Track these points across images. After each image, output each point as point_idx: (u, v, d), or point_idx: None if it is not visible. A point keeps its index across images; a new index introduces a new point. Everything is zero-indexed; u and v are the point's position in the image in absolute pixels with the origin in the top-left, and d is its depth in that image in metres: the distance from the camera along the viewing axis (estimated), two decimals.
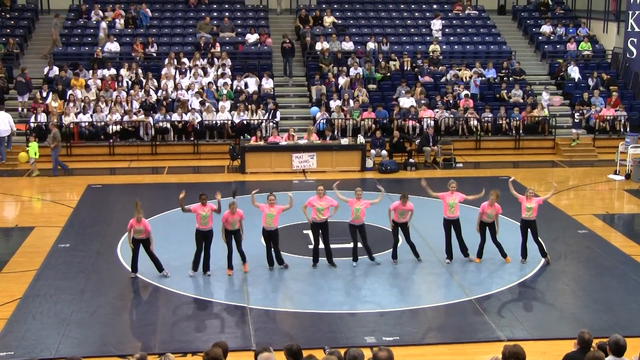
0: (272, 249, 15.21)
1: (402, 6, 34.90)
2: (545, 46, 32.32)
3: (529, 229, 15.53)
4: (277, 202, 15.04)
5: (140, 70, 28.57)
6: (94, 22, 31.84)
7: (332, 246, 15.53)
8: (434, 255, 15.84)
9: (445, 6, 35.10)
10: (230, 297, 14.08)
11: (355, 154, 24.53)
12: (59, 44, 30.03)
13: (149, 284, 14.67)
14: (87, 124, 25.96)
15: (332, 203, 15.22)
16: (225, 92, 27.51)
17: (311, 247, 16.01)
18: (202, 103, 26.71)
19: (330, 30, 32.01)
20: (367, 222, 15.60)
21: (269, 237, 15.19)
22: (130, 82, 28.04)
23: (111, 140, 25.91)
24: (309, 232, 16.76)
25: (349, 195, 15.73)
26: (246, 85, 28.34)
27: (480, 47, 32.16)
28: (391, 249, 15.92)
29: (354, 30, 32.71)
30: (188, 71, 28.67)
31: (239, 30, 32.11)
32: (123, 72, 28.41)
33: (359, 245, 15.49)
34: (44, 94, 26.81)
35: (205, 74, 28.64)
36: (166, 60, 29.03)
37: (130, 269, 14.94)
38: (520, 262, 15.63)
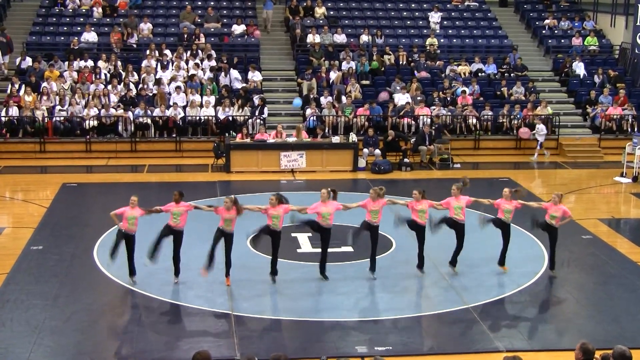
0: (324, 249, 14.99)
1: None
2: (549, 41, 32.47)
3: (549, 236, 15.33)
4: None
5: (119, 63, 28.54)
6: (70, 11, 31.81)
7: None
8: (430, 261, 15.86)
9: None
10: (213, 304, 14.05)
11: (347, 153, 24.55)
12: None
13: (127, 289, 14.64)
14: (62, 118, 25.90)
15: (337, 207, 14.93)
16: (209, 86, 27.44)
17: (300, 250, 16.03)
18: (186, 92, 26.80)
19: (321, 21, 32.05)
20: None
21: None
22: (108, 75, 28.00)
23: (88, 136, 25.85)
24: (297, 235, 16.82)
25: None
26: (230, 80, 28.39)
27: (480, 41, 32.28)
28: (385, 254, 15.96)
29: (346, 22, 32.76)
30: (170, 64, 28.64)
31: (225, 20, 32.11)
32: (101, 63, 28.36)
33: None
34: (16, 86, 26.73)
35: (188, 66, 28.62)
36: (147, 52, 29.02)
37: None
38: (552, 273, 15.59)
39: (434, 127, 25.79)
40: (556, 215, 15.09)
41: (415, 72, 29.63)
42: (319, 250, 15.15)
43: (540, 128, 26.54)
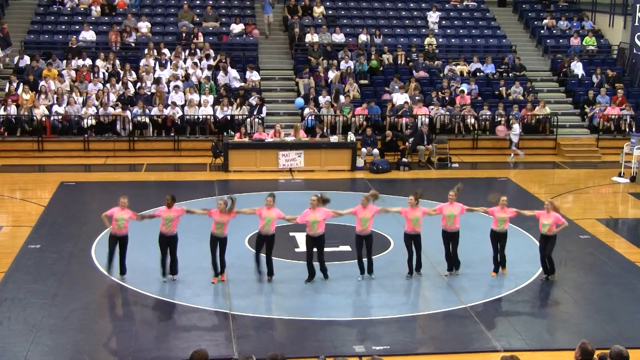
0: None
1: None
2: (548, 40, 32.47)
3: (546, 245, 15.11)
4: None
5: (118, 61, 28.51)
6: (69, 9, 31.79)
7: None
8: (427, 261, 15.85)
9: None
10: (211, 303, 14.06)
11: (345, 153, 24.52)
12: None
13: (125, 288, 14.63)
14: (60, 117, 25.87)
15: (327, 214, 14.80)
16: (207, 85, 27.44)
17: (297, 250, 16.03)
18: (184, 92, 26.74)
19: (320, 21, 32.04)
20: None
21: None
22: (106, 74, 27.97)
23: (86, 135, 25.84)
24: (295, 234, 16.84)
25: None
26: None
27: (478, 40, 32.28)
28: (383, 254, 15.94)
29: (345, 21, 32.74)
30: (168, 63, 28.62)
31: (223, 19, 32.08)
32: (99, 62, 28.33)
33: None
34: (14, 85, 26.69)
35: (187, 65, 28.59)
36: (145, 51, 29.00)
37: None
38: (543, 280, 15.37)
39: (418, 131, 25.67)
40: (547, 224, 14.91)
41: (414, 71, 29.61)
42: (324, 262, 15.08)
43: (515, 128, 26.50)
